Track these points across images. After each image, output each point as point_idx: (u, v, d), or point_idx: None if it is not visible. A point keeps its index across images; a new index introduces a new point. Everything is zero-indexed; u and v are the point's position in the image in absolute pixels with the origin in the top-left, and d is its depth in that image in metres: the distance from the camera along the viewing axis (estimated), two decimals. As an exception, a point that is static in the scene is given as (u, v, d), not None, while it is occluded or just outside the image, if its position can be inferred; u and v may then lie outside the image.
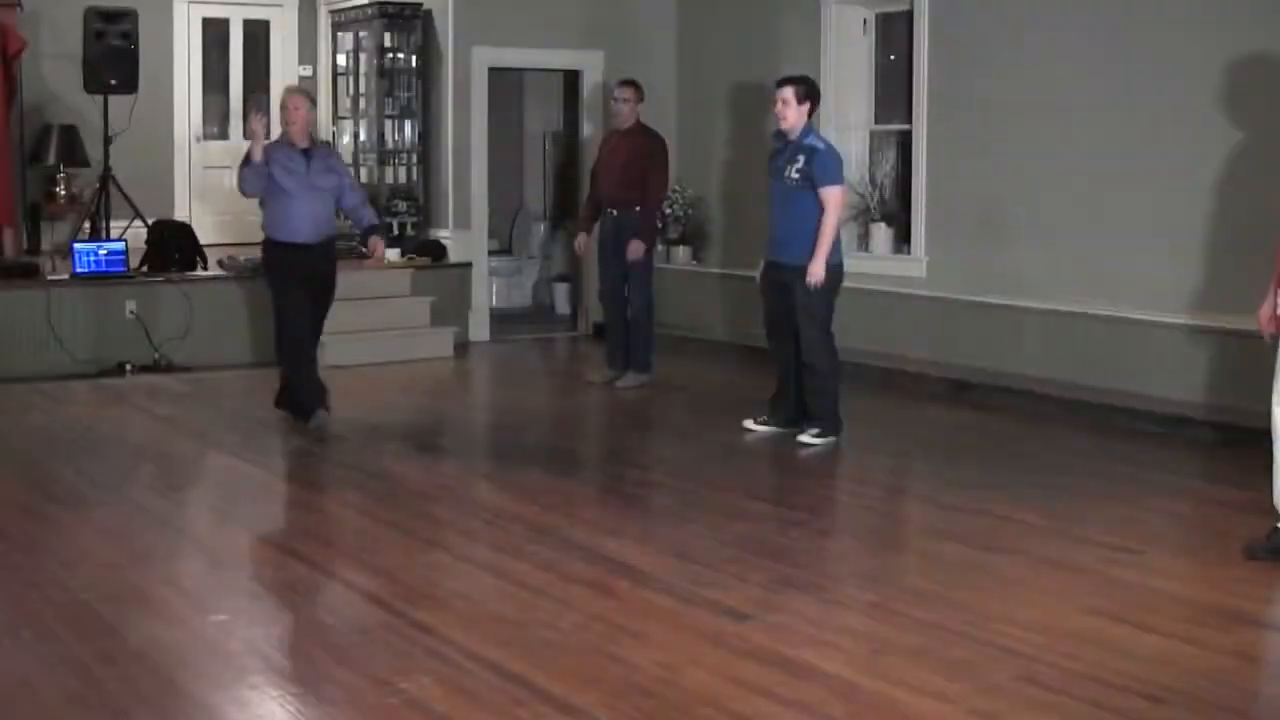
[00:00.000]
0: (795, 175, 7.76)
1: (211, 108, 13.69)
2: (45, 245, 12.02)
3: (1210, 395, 8.33)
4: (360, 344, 10.50)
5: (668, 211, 11.84)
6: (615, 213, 9.64)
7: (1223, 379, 8.28)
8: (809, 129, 7.87)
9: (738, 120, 11.79)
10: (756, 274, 8.21)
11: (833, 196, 7.71)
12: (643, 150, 9.61)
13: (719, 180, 11.98)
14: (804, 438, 7.87)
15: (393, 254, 11.52)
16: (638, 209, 9.57)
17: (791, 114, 7.80)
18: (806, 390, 7.95)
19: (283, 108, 8.18)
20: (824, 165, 7.73)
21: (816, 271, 7.68)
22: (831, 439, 7.85)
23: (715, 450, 7.90)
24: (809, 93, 7.87)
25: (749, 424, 8.23)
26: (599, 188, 9.79)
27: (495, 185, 12.44)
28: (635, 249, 9.53)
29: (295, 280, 8.07)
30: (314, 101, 8.31)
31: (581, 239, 9.97)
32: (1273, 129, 8.12)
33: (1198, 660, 4.59)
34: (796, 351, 7.96)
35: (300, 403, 8.21)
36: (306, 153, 8.06)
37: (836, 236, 7.82)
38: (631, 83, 9.86)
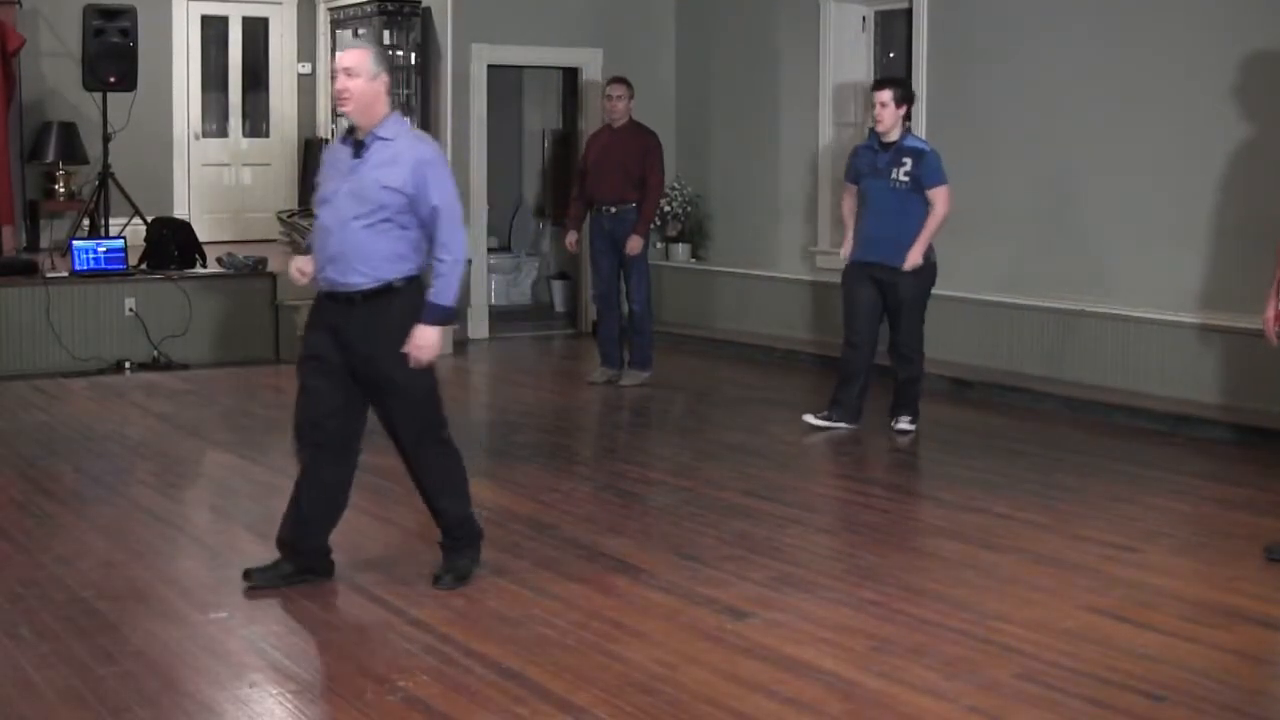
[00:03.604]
0: (904, 178, 7.91)
1: (210, 105, 13.68)
2: (44, 243, 12.03)
3: (1211, 393, 8.32)
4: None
5: (666, 209, 11.85)
6: (613, 210, 9.60)
7: (1224, 377, 8.28)
8: (907, 131, 8.05)
9: (737, 117, 11.79)
10: (842, 253, 8.35)
11: (943, 195, 7.91)
12: (641, 148, 9.57)
13: (718, 177, 11.98)
14: (902, 425, 8.12)
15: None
16: (635, 205, 9.54)
17: (889, 116, 7.94)
18: (902, 380, 8.17)
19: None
20: (932, 166, 7.93)
21: (914, 258, 7.91)
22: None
23: (714, 448, 7.90)
24: (906, 95, 8.08)
25: (810, 419, 8.30)
26: (591, 186, 9.70)
27: (494, 182, 12.45)
28: (635, 244, 9.50)
29: (313, 347, 5.23)
30: (382, 57, 5.23)
31: (572, 237, 9.93)
32: (1277, 126, 8.12)
33: (1197, 658, 4.59)
34: (873, 348, 8.18)
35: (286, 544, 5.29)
36: (361, 145, 5.09)
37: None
38: (623, 80, 9.83)
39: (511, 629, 4.82)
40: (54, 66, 12.25)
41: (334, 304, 5.13)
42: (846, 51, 10.86)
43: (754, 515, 6.38)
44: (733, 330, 11.45)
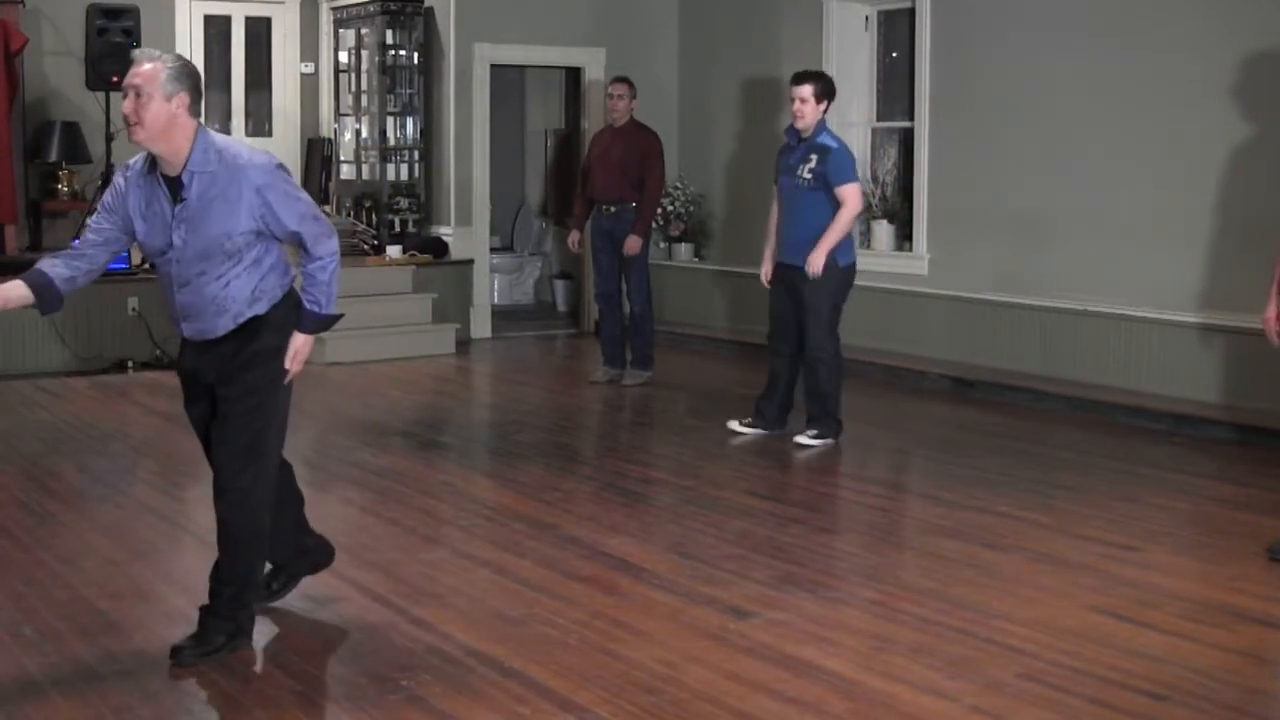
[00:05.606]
0: (808, 175, 7.62)
1: (213, 105, 13.67)
2: (47, 242, 12.02)
3: (1212, 393, 8.33)
4: (362, 341, 10.51)
5: (669, 209, 11.86)
6: (612, 209, 9.62)
7: (1225, 377, 8.28)
8: (821, 127, 7.73)
9: (740, 117, 11.79)
10: (761, 272, 8.08)
11: (850, 193, 7.59)
12: (641, 148, 9.59)
13: (721, 177, 11.99)
14: (801, 438, 7.81)
15: (394, 250, 11.54)
16: (635, 206, 9.55)
17: (809, 111, 7.66)
18: (806, 391, 7.87)
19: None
20: (838, 164, 7.61)
21: (817, 262, 7.56)
22: (829, 441, 7.80)
23: (716, 447, 7.90)
24: (826, 90, 7.72)
25: (734, 425, 8.11)
26: (593, 185, 9.74)
27: (497, 182, 12.46)
28: (634, 244, 9.52)
29: (187, 399, 4.73)
30: (180, 71, 4.34)
31: (575, 236, 9.94)
32: (1277, 125, 8.11)
33: (1199, 657, 4.59)
34: (796, 354, 7.90)
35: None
36: (177, 183, 4.37)
37: (849, 237, 7.74)
38: (626, 80, 9.85)
39: (513, 628, 4.83)
40: (57, 66, 12.24)
41: (197, 346, 4.60)
42: (849, 51, 10.86)
43: (755, 514, 6.39)
44: (734, 330, 11.45)
